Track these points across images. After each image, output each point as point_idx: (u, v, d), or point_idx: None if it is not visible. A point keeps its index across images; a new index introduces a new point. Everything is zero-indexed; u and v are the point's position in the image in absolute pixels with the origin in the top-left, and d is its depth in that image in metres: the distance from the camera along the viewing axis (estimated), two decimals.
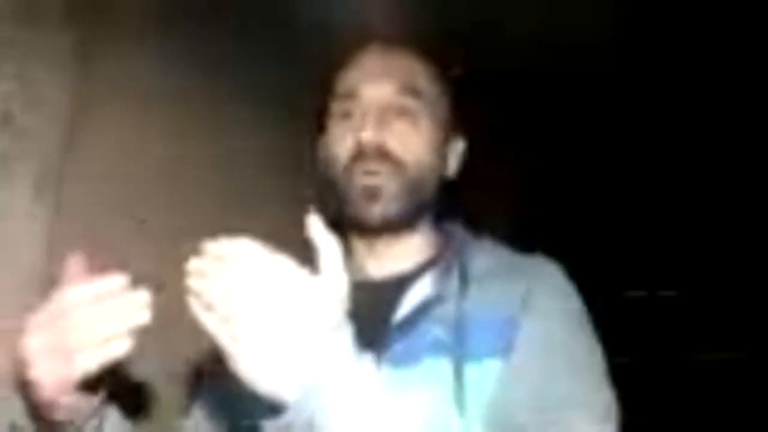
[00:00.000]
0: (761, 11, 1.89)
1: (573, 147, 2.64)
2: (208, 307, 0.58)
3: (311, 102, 0.97)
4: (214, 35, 1.47)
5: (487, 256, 0.85)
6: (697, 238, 2.92)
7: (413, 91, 0.86)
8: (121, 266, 0.66)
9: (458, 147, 0.94)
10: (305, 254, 0.90)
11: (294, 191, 1.56)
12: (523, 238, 0.87)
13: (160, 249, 1.32)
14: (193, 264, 0.60)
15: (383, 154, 0.83)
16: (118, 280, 0.64)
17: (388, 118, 0.85)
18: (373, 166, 0.83)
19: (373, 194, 0.83)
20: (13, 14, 1.11)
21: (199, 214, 1.40)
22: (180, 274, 0.61)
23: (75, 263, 0.69)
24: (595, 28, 1.91)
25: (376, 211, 0.83)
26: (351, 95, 0.87)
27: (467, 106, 0.95)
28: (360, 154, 0.83)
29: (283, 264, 0.60)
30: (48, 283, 0.70)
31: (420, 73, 0.89)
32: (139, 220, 1.27)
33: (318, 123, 0.92)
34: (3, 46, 1.10)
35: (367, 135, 0.83)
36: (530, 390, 0.71)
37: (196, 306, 0.59)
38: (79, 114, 1.19)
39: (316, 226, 0.63)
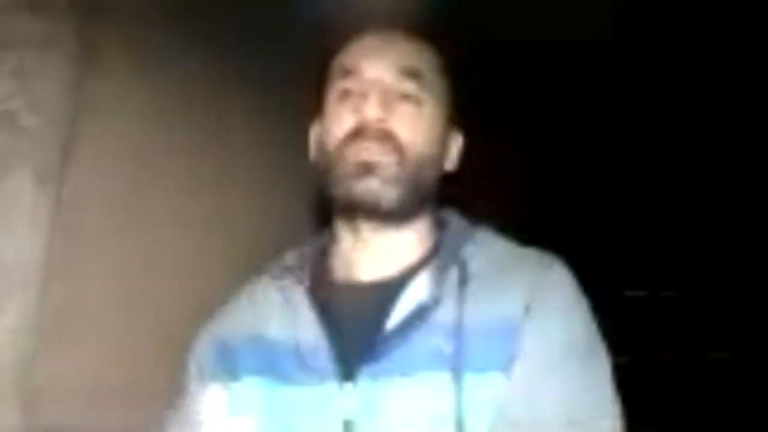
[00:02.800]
0: None
1: (575, 144, 2.64)
2: None
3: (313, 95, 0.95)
4: (218, 30, 1.46)
5: (486, 250, 0.80)
6: (697, 238, 2.92)
7: (415, 75, 0.80)
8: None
9: (458, 141, 0.89)
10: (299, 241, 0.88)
11: (295, 184, 1.56)
12: (524, 237, 0.85)
13: (160, 248, 1.32)
14: None
15: (386, 135, 0.76)
16: None
17: (392, 99, 0.78)
18: (372, 144, 0.76)
19: (368, 168, 0.75)
20: (13, 13, 1.11)
21: (199, 211, 1.40)
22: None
23: None
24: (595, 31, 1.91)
25: (371, 186, 0.75)
26: (351, 72, 0.81)
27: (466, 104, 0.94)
28: (360, 131, 0.77)
29: None
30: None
31: (422, 59, 0.83)
32: None
33: (315, 108, 0.87)
34: (5, 43, 1.10)
35: (372, 111, 0.76)
36: (531, 408, 0.68)
37: None
38: (80, 114, 1.19)
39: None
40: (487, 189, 2.00)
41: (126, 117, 1.28)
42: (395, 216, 0.78)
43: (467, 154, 0.92)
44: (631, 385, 0.84)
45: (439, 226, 0.85)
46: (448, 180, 0.87)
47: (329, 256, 0.85)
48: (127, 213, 1.26)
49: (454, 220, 0.85)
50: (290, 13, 1.57)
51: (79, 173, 1.18)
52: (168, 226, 1.33)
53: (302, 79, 0.90)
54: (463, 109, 0.91)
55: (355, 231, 0.80)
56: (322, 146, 0.82)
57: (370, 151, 0.75)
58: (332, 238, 0.86)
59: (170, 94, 1.37)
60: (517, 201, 2.47)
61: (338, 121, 0.79)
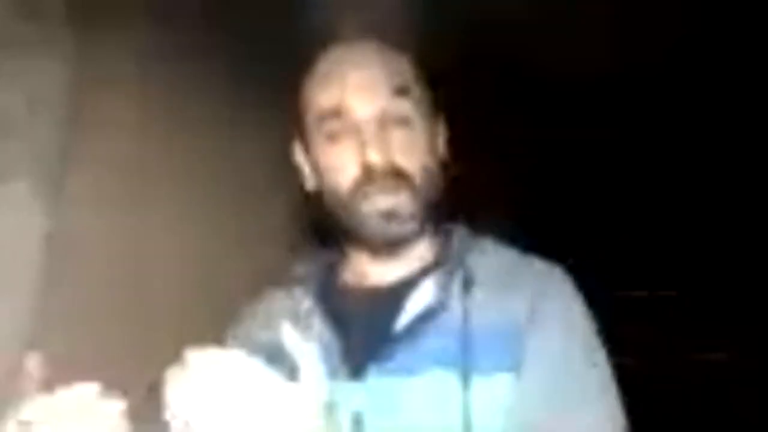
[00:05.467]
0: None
1: (575, 144, 2.64)
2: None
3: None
4: (216, 34, 1.46)
5: (490, 258, 0.82)
6: (697, 238, 2.92)
7: (404, 91, 0.79)
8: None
9: (442, 129, 0.88)
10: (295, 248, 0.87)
11: (290, 187, 1.56)
12: (523, 237, 0.86)
13: (161, 245, 1.32)
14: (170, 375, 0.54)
15: (394, 173, 0.77)
16: (89, 388, 0.56)
17: (388, 130, 0.77)
18: (387, 186, 0.77)
19: (391, 216, 0.77)
20: (12, 14, 1.11)
21: (199, 208, 1.40)
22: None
23: (34, 365, 0.58)
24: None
25: (393, 231, 0.78)
26: (337, 113, 0.78)
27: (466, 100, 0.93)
28: (368, 177, 0.77)
29: (261, 373, 0.54)
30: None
31: (405, 70, 0.82)
32: None
33: (296, 131, 0.87)
34: (3, 46, 1.10)
35: (375, 156, 0.76)
36: (535, 413, 0.70)
37: None
38: (79, 114, 1.19)
39: (289, 335, 0.59)
40: (487, 188, 2.00)
41: (125, 121, 1.28)
42: (410, 239, 0.82)
43: (468, 156, 0.92)
44: (631, 385, 0.84)
45: (443, 234, 0.88)
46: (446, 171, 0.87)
47: (337, 267, 0.88)
48: (126, 217, 1.26)
49: (459, 229, 0.87)
50: (288, 15, 1.57)
51: (78, 176, 1.18)
52: (168, 234, 1.33)
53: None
54: (464, 107, 0.91)
55: (367, 250, 0.83)
56: (326, 191, 0.82)
57: (386, 199, 0.77)
58: (341, 255, 0.88)
59: (170, 96, 1.37)
60: (516, 200, 2.48)
61: (341, 168, 0.79)
